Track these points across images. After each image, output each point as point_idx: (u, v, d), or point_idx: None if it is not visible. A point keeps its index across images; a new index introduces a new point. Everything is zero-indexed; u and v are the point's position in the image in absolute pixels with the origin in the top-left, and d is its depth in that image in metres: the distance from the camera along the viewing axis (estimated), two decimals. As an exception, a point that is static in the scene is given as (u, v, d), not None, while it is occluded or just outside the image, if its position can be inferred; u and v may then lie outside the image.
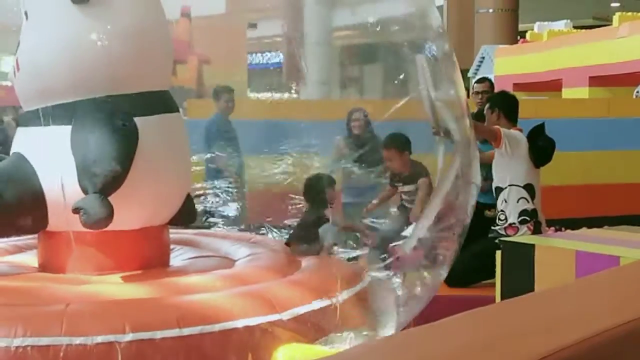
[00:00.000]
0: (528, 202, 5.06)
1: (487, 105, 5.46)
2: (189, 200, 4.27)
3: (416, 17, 4.41)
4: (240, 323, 3.14)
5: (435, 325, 1.57)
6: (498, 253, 3.50)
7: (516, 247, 3.49)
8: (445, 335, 1.56)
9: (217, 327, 3.10)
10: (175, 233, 4.46)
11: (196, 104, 7.45)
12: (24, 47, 3.84)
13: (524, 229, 5.01)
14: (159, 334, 3.00)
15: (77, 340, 2.92)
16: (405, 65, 4.41)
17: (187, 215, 4.28)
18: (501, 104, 5.38)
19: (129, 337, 2.96)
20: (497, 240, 4.68)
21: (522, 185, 5.06)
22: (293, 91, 6.52)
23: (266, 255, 4.13)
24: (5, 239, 4.43)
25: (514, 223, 5.05)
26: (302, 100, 7.20)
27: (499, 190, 5.17)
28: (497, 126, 5.16)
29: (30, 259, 4.12)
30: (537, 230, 5.01)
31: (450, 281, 5.07)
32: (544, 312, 1.63)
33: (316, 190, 4.39)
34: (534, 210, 5.06)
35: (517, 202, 5.05)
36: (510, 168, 5.10)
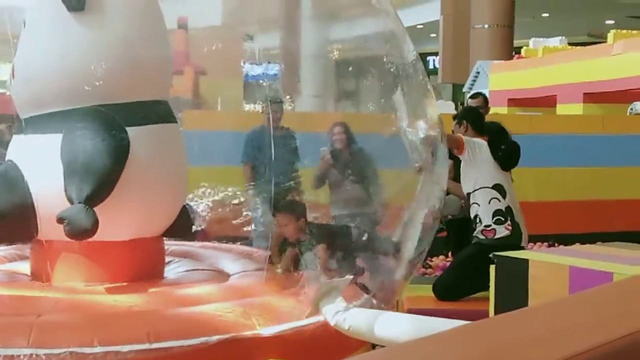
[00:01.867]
0: (500, 201, 5.10)
1: (454, 122, 5.62)
2: (184, 212, 4.24)
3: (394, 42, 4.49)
4: (214, 338, 3.10)
5: (430, 338, 1.55)
6: (492, 267, 3.48)
7: (510, 261, 3.47)
8: (440, 349, 1.54)
9: (187, 342, 3.06)
10: (178, 245, 4.46)
11: (192, 115, 7.43)
12: (19, 54, 3.83)
13: (501, 229, 5.03)
14: (126, 348, 2.96)
15: (42, 352, 2.89)
16: (396, 79, 4.45)
17: (181, 227, 4.25)
18: (467, 116, 5.58)
19: (97, 349, 2.93)
20: (476, 244, 4.81)
21: (490, 186, 5.12)
22: (288, 103, 6.51)
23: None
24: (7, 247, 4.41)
25: (489, 225, 5.07)
26: (297, 113, 7.19)
27: (469, 195, 5.23)
28: (459, 135, 5.28)
29: (26, 267, 4.09)
30: (516, 230, 5.03)
31: (441, 295, 5.06)
32: (538, 327, 1.62)
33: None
34: (509, 209, 5.08)
35: (489, 203, 5.09)
36: (476, 172, 5.18)
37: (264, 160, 5.34)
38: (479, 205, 5.13)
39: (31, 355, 2.87)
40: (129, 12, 3.75)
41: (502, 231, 5.03)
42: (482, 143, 5.24)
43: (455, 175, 5.34)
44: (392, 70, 4.44)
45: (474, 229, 5.17)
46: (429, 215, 4.20)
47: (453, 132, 5.50)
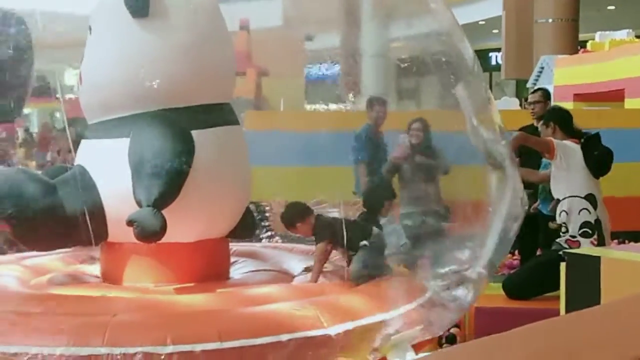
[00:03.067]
0: (590, 213, 4.93)
1: (541, 122, 5.43)
2: (248, 213, 4.27)
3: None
4: (285, 337, 3.11)
5: (502, 337, 1.52)
6: (562, 265, 3.41)
7: (581, 259, 3.39)
8: (511, 347, 1.51)
9: (258, 341, 3.07)
10: (242, 245, 4.49)
11: (254, 116, 7.50)
12: (86, 61, 3.91)
13: (586, 243, 4.88)
14: (199, 347, 2.99)
15: (117, 351, 2.94)
16: (458, 77, 4.40)
17: (246, 228, 4.28)
18: (555, 117, 5.34)
19: (169, 349, 2.96)
20: (560, 253, 4.60)
21: (582, 196, 4.95)
22: (350, 103, 6.51)
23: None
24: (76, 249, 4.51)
25: (574, 236, 4.93)
26: (359, 112, 7.18)
27: (558, 202, 5.06)
28: (549, 138, 5.10)
29: (96, 269, 4.18)
30: (601, 245, 4.87)
31: (511, 293, 4.99)
32: (611, 325, 1.58)
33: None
34: (598, 222, 4.93)
35: (579, 213, 4.93)
36: (568, 179, 5.00)
37: (379, 159, 5.37)
38: (567, 214, 4.98)
39: (108, 354, 2.92)
40: (192, 16, 3.79)
41: (587, 245, 4.88)
42: (574, 148, 5.04)
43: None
44: (452, 68, 4.40)
45: (559, 235, 5.04)
46: (508, 217, 4.08)
47: (540, 133, 5.36)
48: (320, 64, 6.32)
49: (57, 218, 3.71)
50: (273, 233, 5.24)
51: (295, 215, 4.14)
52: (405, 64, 5.63)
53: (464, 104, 4.23)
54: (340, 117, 6.22)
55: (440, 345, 3.79)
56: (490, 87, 20.51)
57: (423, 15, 4.84)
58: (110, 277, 3.93)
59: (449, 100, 4.59)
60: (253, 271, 4.14)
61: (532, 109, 6.53)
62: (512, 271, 5.89)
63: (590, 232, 4.92)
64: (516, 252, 6.57)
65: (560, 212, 5.03)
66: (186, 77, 3.74)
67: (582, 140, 5.13)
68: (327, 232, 4.04)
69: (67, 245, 4.20)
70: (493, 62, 24.92)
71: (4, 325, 3.07)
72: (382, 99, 6.21)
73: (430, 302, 3.74)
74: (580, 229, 4.93)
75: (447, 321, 3.79)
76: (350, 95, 6.41)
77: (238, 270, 4.19)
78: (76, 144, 4.18)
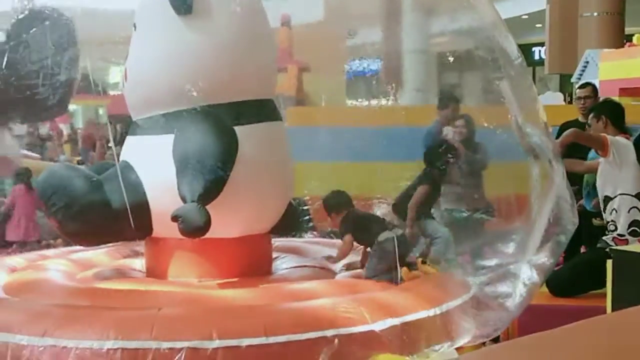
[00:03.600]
0: None
1: (592, 114, 5.31)
2: (291, 209, 4.28)
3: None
4: (330, 332, 3.11)
5: (547, 335, 1.51)
6: (608, 262, 3.36)
7: (629, 257, 3.34)
8: (557, 346, 1.49)
9: (304, 336, 3.07)
10: (284, 241, 4.50)
11: (296, 112, 7.51)
12: (131, 58, 3.96)
13: (634, 241, 4.80)
14: (245, 342, 3.00)
15: (165, 345, 2.97)
16: (501, 72, 4.35)
17: (289, 223, 4.29)
18: (607, 111, 5.22)
19: (216, 343, 2.98)
20: (606, 250, 4.51)
21: (633, 194, 4.86)
22: (391, 98, 6.49)
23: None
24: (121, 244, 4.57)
25: (623, 235, 4.85)
26: (400, 107, 7.15)
27: (608, 199, 4.97)
28: (603, 134, 4.98)
29: (140, 263, 4.23)
30: None
31: (555, 290, 4.93)
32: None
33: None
34: None
35: (628, 212, 4.85)
36: (620, 177, 4.89)
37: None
38: (616, 212, 4.90)
39: (155, 348, 2.95)
40: (235, 12, 3.80)
41: (635, 244, 4.80)
42: (628, 145, 4.93)
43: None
44: (494, 63, 4.35)
45: (603, 231, 4.97)
46: (559, 220, 4.02)
47: (590, 126, 5.25)
48: (362, 59, 6.31)
49: (103, 213, 3.76)
50: (314, 229, 5.25)
51: (333, 206, 4.18)
52: (448, 59, 5.59)
53: (508, 99, 4.19)
54: (382, 112, 6.20)
55: (483, 344, 3.76)
56: (534, 82, 20.21)
57: (464, 10, 4.80)
58: (155, 272, 3.97)
59: (491, 95, 4.55)
60: (295, 267, 4.15)
61: (582, 104, 6.42)
62: (556, 268, 5.82)
63: (638, 230, 4.84)
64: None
65: (610, 209, 4.94)
66: (230, 74, 3.76)
67: (633, 136, 5.03)
68: (349, 226, 4.09)
69: (112, 240, 4.26)
70: (536, 57, 24.59)
71: (54, 319, 3.12)
72: (454, 95, 6.17)
73: (476, 301, 3.72)
74: (629, 227, 4.85)
75: (495, 324, 3.76)
76: (392, 90, 6.40)
77: (280, 265, 4.21)
78: (120, 140, 4.24)
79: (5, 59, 4.20)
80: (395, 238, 3.83)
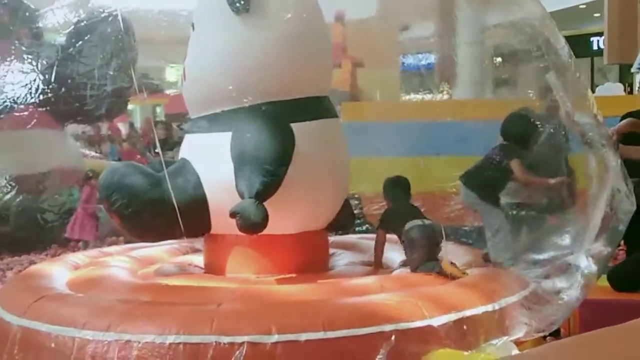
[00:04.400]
0: None
1: None
2: (347, 205, 4.29)
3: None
4: (387, 327, 3.11)
5: (610, 330, 1.49)
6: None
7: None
8: (620, 342, 1.48)
9: (362, 331, 3.08)
10: (340, 237, 4.52)
11: (350, 107, 7.52)
12: (189, 57, 4.02)
13: None
14: (304, 336, 3.02)
15: (225, 340, 3.00)
16: (555, 64, 4.30)
17: (345, 220, 4.30)
18: None
19: (275, 338, 3.00)
20: None
21: None
22: (446, 92, 6.45)
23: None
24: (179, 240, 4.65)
25: None
26: (455, 101, 7.10)
27: None
28: None
29: (199, 260, 4.30)
30: None
31: (618, 285, 4.84)
32: None
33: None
34: None
35: None
36: None
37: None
38: None
39: (216, 343, 2.99)
40: (291, 10, 3.83)
41: None
42: None
43: None
44: (547, 56, 4.30)
45: None
46: (615, 210, 3.96)
47: None
48: (416, 53, 6.29)
49: (163, 210, 3.82)
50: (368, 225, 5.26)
51: (389, 193, 4.21)
52: (501, 53, 5.54)
53: (556, 90, 4.14)
54: (437, 106, 6.17)
55: (544, 339, 3.71)
56: (592, 73, 19.81)
57: (511, 6, 4.76)
58: (214, 268, 4.03)
59: (543, 88, 4.50)
60: (352, 264, 4.16)
61: None
62: (617, 262, 5.71)
63: None
64: (621, 242, 6.36)
65: None
66: (287, 71, 3.79)
67: None
68: (381, 220, 4.14)
69: (172, 236, 4.32)
70: (595, 47, 24.08)
71: (117, 314, 3.19)
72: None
73: (534, 295, 3.68)
74: None
75: (553, 317, 3.71)
76: (446, 84, 6.35)
77: (337, 262, 4.23)
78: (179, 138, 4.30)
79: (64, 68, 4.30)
80: (422, 226, 3.85)
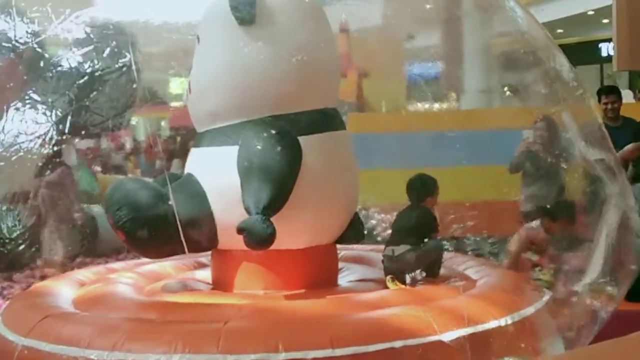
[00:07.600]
0: None
1: None
2: (356, 219, 4.24)
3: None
4: (397, 343, 3.05)
5: (621, 340, 1.44)
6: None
7: None
8: (632, 352, 1.42)
9: (371, 348, 3.02)
10: (348, 250, 4.48)
11: (357, 118, 7.48)
12: (194, 70, 3.98)
13: None
14: (311, 354, 2.97)
15: (231, 358, 2.96)
16: (562, 71, 4.29)
17: (355, 233, 4.25)
18: None
19: (282, 356, 2.95)
20: None
21: None
22: (453, 101, 6.42)
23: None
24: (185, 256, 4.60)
25: None
26: (462, 111, 7.07)
27: None
28: None
29: (206, 275, 4.24)
30: None
31: (631, 295, 4.78)
32: None
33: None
34: None
35: None
36: None
37: None
38: None
39: None
40: (298, 22, 3.79)
41: None
42: None
43: None
44: (553, 64, 4.30)
45: None
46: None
47: None
48: (421, 62, 6.25)
49: (168, 226, 3.77)
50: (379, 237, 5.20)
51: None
52: (507, 60, 5.52)
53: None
54: (443, 116, 6.13)
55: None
56: (602, 80, 19.75)
57: (504, 15, 4.78)
58: (221, 284, 3.98)
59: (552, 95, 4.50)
60: (361, 280, 4.10)
61: None
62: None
63: None
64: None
65: None
66: (294, 84, 3.74)
67: None
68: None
69: (178, 252, 4.25)
70: (604, 53, 24.01)
71: (122, 333, 3.14)
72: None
73: (548, 308, 3.62)
74: None
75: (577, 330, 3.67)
76: (453, 94, 6.32)
77: (346, 277, 4.17)
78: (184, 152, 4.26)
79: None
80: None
